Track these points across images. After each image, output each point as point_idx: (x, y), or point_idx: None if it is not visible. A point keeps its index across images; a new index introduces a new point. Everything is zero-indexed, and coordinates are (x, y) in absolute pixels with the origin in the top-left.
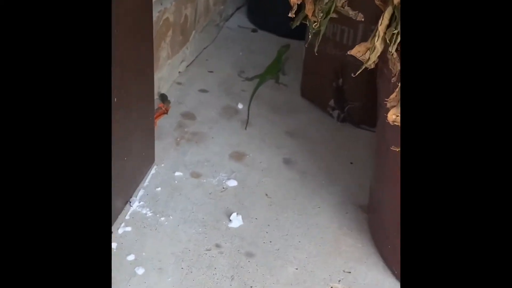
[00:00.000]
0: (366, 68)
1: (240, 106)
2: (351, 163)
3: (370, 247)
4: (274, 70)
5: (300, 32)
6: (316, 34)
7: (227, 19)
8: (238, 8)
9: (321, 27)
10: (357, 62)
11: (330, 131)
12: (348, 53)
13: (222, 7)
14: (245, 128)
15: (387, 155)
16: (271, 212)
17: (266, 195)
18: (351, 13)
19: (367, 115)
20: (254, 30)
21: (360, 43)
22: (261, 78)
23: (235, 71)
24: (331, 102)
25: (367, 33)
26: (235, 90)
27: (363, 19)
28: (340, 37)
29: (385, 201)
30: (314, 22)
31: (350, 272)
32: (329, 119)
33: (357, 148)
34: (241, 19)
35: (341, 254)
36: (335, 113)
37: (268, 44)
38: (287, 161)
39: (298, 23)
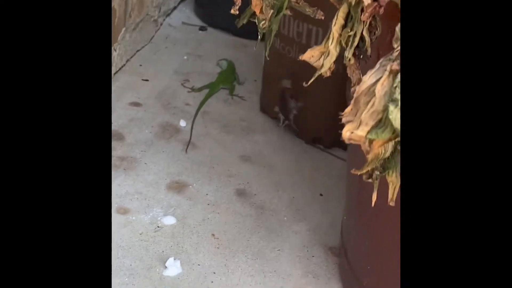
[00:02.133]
0: (321, 76)
1: (182, 124)
2: (321, 194)
3: None
4: (229, 79)
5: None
6: (268, 34)
7: (168, 14)
8: (182, 0)
9: (272, 26)
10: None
11: (296, 154)
12: (300, 58)
13: None
14: (186, 151)
15: (360, 183)
16: (218, 256)
17: (213, 235)
18: (308, 10)
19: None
20: (202, 28)
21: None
22: (212, 89)
23: (178, 80)
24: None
25: None
26: (176, 103)
27: (323, 17)
28: (307, 38)
29: (357, 241)
30: (263, 20)
31: None
32: (295, 140)
33: (329, 176)
34: (186, 13)
35: None
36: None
37: (220, 46)
38: (240, 193)
39: (245, 21)
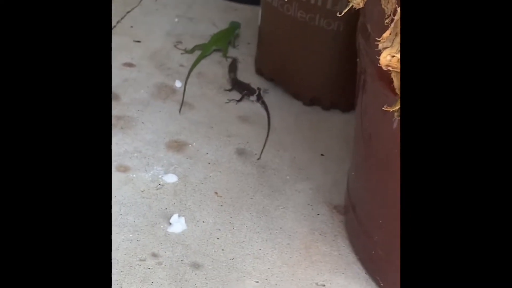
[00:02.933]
0: (354, 9)
1: (178, 84)
2: (322, 154)
3: (348, 255)
4: (222, 41)
5: None
6: None
7: None
8: None
9: None
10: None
11: (295, 115)
12: None
13: None
14: (179, 112)
15: (369, 140)
16: (223, 214)
17: (216, 193)
18: None
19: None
20: None
21: (333, 4)
22: (205, 49)
23: (170, 42)
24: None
25: None
26: (170, 64)
27: None
28: None
29: (367, 197)
30: None
31: (324, 286)
32: (293, 102)
33: (330, 136)
34: None
35: (313, 264)
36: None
37: (211, 10)
38: (241, 152)
39: None
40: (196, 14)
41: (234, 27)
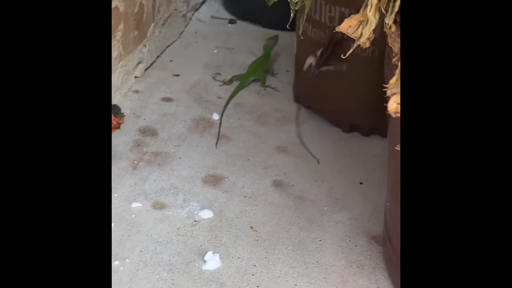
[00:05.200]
0: (360, 47)
1: (215, 117)
2: (361, 183)
3: None
4: (259, 70)
5: (291, 21)
6: (301, 10)
7: (196, 8)
8: None
9: (305, 2)
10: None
11: (334, 143)
12: (337, 29)
13: None
14: (216, 145)
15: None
16: (258, 249)
17: (251, 228)
18: None
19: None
20: (232, 21)
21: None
22: (243, 80)
23: (209, 74)
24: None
25: None
26: (208, 97)
27: None
28: (339, 22)
29: None
30: None
31: None
32: (332, 129)
33: (369, 164)
34: (215, 7)
35: None
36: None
37: (250, 38)
38: (277, 184)
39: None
40: (235, 44)
41: (268, 51)
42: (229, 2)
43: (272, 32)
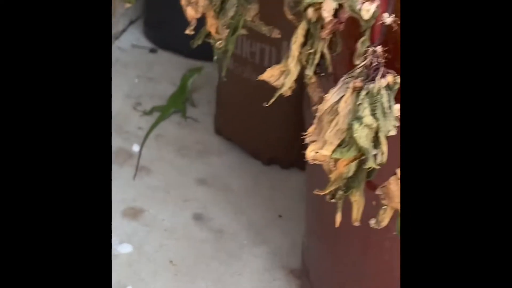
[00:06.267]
0: (282, 95)
1: (135, 148)
2: (280, 216)
3: None
4: (178, 102)
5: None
6: (224, 54)
7: (117, 37)
8: (131, 22)
9: (228, 46)
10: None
11: (253, 176)
12: (259, 78)
13: None
14: (134, 178)
15: (320, 204)
16: (177, 284)
17: (171, 262)
18: (264, 28)
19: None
20: (153, 50)
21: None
22: (163, 112)
23: (129, 104)
24: None
25: None
26: (129, 128)
27: (279, 36)
28: (260, 58)
29: (321, 262)
30: (219, 40)
31: None
32: (252, 161)
33: (287, 197)
34: (135, 36)
35: None
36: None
37: (171, 69)
38: (197, 217)
39: (200, 42)
40: (156, 74)
41: (185, 81)
42: (150, 31)
43: (195, 63)
